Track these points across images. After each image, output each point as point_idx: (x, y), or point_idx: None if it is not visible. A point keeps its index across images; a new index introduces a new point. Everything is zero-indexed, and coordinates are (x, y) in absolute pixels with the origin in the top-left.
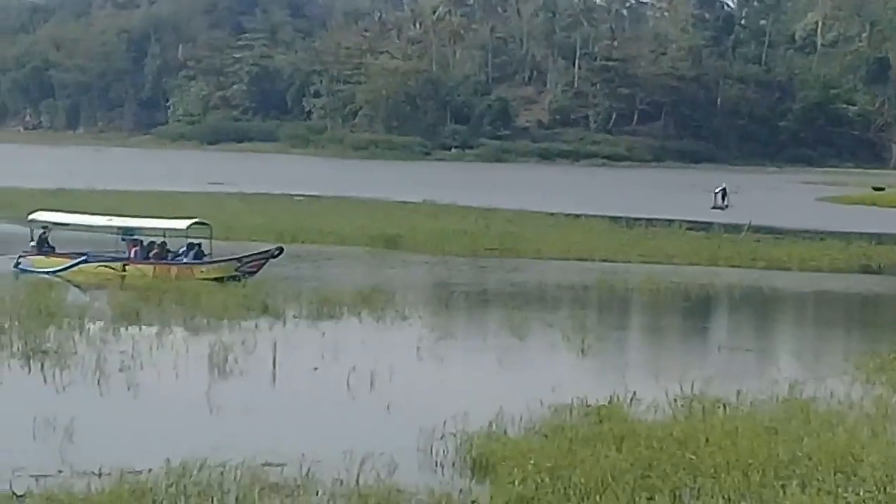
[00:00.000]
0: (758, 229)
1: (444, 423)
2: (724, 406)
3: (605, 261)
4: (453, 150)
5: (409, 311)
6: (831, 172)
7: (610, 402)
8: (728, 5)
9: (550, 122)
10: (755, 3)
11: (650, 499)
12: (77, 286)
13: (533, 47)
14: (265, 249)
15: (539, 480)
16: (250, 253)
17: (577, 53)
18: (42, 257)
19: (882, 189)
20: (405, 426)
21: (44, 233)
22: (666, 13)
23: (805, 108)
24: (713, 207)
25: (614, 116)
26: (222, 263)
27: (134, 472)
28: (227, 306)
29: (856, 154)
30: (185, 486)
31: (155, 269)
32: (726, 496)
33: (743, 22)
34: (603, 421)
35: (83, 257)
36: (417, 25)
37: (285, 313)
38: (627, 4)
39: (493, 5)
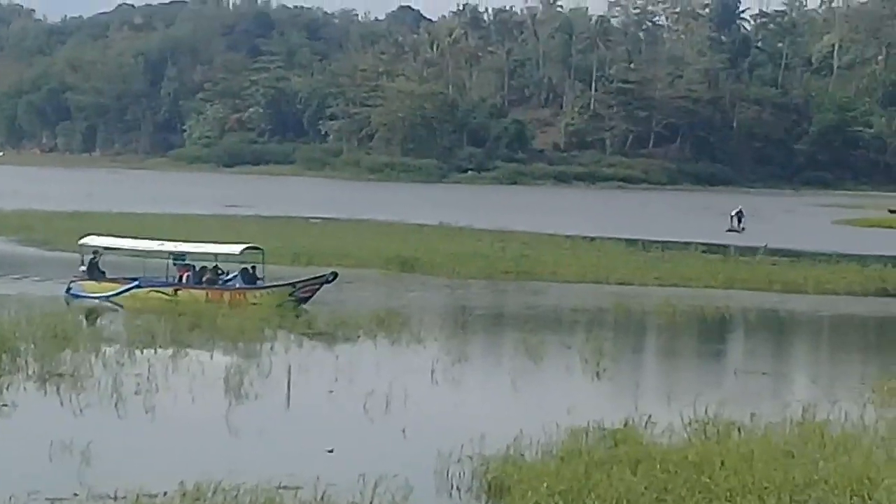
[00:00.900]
0: (774, 252)
1: (460, 445)
2: (740, 429)
3: (620, 283)
4: (469, 173)
5: (424, 333)
6: (848, 195)
7: (625, 425)
8: (744, 28)
9: (566, 145)
10: (771, 26)
11: None
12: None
13: (549, 70)
14: (320, 275)
15: (553, 503)
16: (304, 278)
17: (594, 76)
18: (93, 282)
19: None
20: (420, 449)
21: (94, 257)
22: (682, 35)
23: (821, 130)
24: (729, 230)
25: (630, 139)
26: (276, 289)
27: (149, 496)
28: (243, 329)
29: (872, 177)
30: None
31: (207, 293)
32: None
33: (759, 44)
34: (618, 444)
35: (136, 282)
36: (434, 48)
37: (301, 335)
38: (644, 27)
39: (509, 28)
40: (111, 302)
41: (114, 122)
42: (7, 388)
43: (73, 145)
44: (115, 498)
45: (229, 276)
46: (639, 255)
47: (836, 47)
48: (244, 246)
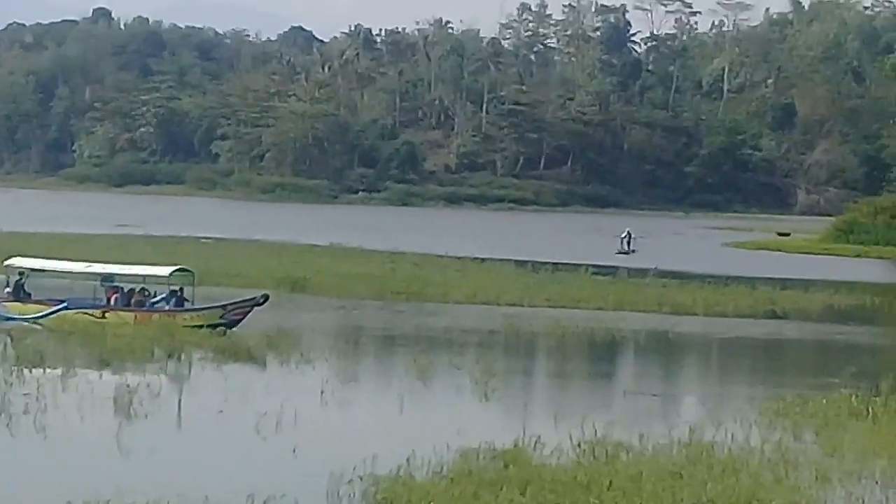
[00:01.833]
0: (664, 274)
1: (350, 466)
2: (628, 450)
3: (511, 305)
4: (360, 194)
5: (315, 354)
6: (737, 218)
7: (515, 447)
8: (635, 51)
9: (457, 167)
10: (662, 49)
11: None
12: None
13: (441, 91)
14: (250, 297)
15: None
16: (235, 301)
17: (485, 97)
18: (19, 304)
19: (787, 234)
20: (310, 469)
21: (20, 279)
22: (573, 58)
23: (711, 153)
24: (619, 252)
25: (521, 161)
26: (206, 311)
27: None
28: (133, 349)
29: (761, 199)
30: None
31: (136, 316)
32: None
33: (650, 68)
34: (508, 465)
35: (63, 304)
36: (325, 69)
37: (191, 356)
38: (535, 49)
39: (401, 49)
40: (38, 324)
41: (4, 141)
42: None
43: None
44: None
45: (157, 298)
46: (529, 277)
47: (726, 71)
48: (173, 268)
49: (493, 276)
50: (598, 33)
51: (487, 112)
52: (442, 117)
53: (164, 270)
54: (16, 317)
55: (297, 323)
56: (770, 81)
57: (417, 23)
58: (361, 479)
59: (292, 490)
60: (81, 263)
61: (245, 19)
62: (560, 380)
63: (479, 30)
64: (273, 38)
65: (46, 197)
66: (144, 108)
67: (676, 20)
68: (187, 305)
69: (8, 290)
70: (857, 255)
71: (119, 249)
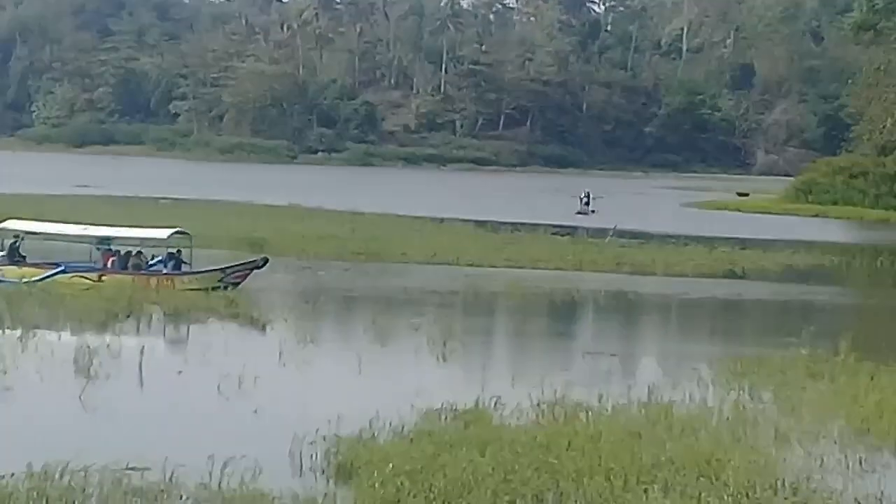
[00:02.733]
0: (623, 234)
1: (310, 427)
2: (588, 410)
3: (470, 265)
4: (320, 154)
5: (274, 314)
6: (696, 178)
7: (476, 407)
8: (594, 11)
9: (417, 127)
10: (621, 9)
11: (511, 503)
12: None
13: (400, 51)
14: (251, 260)
15: (400, 484)
16: (234, 263)
17: (445, 58)
18: (14, 267)
19: (746, 194)
20: (271, 431)
21: (15, 242)
22: (532, 18)
23: (670, 113)
24: (578, 212)
25: (480, 121)
26: (205, 274)
27: None
28: (91, 309)
29: (720, 159)
30: (46, 491)
31: (134, 279)
32: (589, 500)
33: (609, 28)
34: (469, 426)
35: (60, 268)
36: (284, 29)
37: (150, 317)
38: (494, 9)
39: (360, 9)
40: (32, 286)
41: None
42: None
43: None
44: None
45: (154, 261)
46: (488, 237)
47: (685, 31)
48: (172, 231)
49: (453, 237)
50: None
51: (446, 72)
52: (401, 77)
53: (163, 233)
54: (11, 280)
55: (257, 283)
56: (729, 41)
57: None
58: (321, 439)
59: (253, 451)
60: (78, 226)
61: None
62: (519, 340)
63: None
64: None
65: (3, 158)
66: (103, 69)
67: None
68: (185, 268)
69: (2, 253)
70: (816, 215)
71: (78, 210)
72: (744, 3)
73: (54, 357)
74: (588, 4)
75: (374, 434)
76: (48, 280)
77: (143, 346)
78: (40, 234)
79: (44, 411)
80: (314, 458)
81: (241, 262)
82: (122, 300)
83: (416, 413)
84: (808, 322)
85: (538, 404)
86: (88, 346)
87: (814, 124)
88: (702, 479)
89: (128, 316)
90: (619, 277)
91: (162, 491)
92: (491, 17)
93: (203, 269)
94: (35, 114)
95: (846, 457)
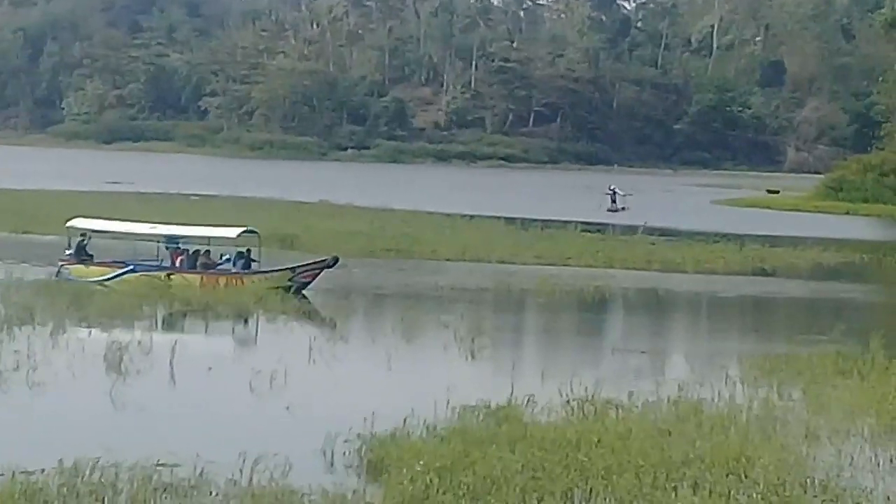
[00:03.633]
0: (653, 231)
1: (341, 424)
2: (618, 408)
3: (500, 262)
4: (349, 151)
5: (305, 311)
6: (726, 175)
7: (507, 405)
8: (625, 8)
9: (447, 124)
10: (651, 6)
11: (540, 500)
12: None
13: (430, 48)
14: (321, 259)
15: (429, 481)
16: (304, 262)
17: (475, 55)
18: (81, 266)
19: (776, 192)
20: (302, 427)
21: (82, 240)
22: (563, 15)
23: (700, 110)
24: (609, 209)
25: (511, 118)
26: (275, 273)
27: (26, 473)
28: (122, 306)
29: (750, 157)
30: (77, 487)
31: (202, 278)
32: (618, 498)
33: (639, 25)
34: (499, 423)
35: (129, 267)
36: (314, 26)
37: (180, 313)
38: (524, 6)
39: (390, 6)
40: (103, 286)
41: None
42: None
43: None
44: None
45: (221, 260)
46: (518, 234)
47: (716, 28)
48: (241, 229)
49: (483, 234)
50: None
51: (477, 69)
52: (431, 74)
53: (232, 231)
54: (80, 280)
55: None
56: (759, 39)
57: None
58: (352, 436)
59: (282, 448)
60: (145, 224)
61: None
62: (550, 337)
63: None
64: None
65: (35, 154)
66: (133, 65)
67: None
68: (255, 267)
69: (69, 251)
70: (847, 213)
71: (108, 207)
72: (774, 1)
73: (85, 353)
74: (618, 2)
75: (405, 431)
76: (117, 279)
77: (172, 343)
78: (108, 232)
79: (74, 407)
80: (345, 455)
81: (311, 261)
82: (151, 297)
83: (448, 410)
84: (837, 320)
85: (568, 401)
86: (118, 342)
87: (844, 122)
88: (731, 476)
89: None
90: (649, 275)
91: (192, 487)
92: (521, 14)
93: (272, 269)
94: (65, 110)
95: (876, 455)
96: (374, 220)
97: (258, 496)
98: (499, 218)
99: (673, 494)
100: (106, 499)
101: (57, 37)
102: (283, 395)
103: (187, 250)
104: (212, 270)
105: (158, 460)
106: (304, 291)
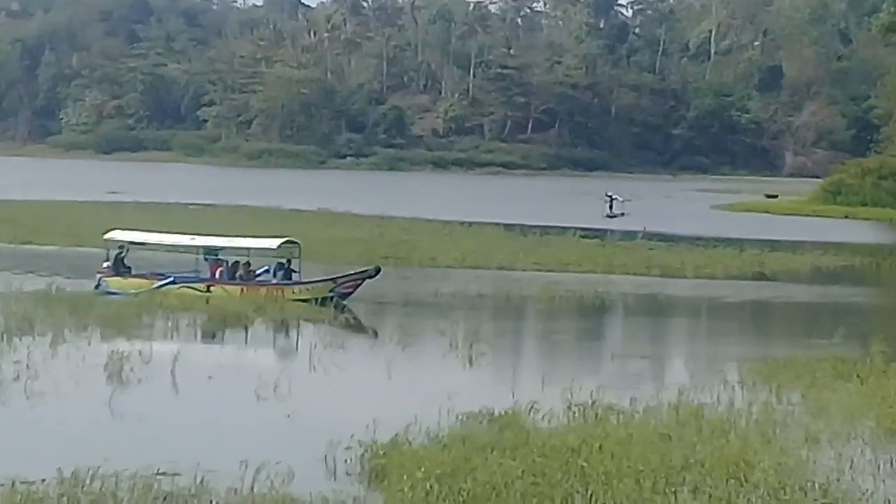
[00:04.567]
0: (652, 237)
1: (343, 431)
2: (619, 413)
3: (500, 268)
4: (348, 159)
5: (303, 319)
6: (725, 180)
7: (509, 411)
8: (622, 14)
9: (445, 131)
10: (649, 12)
11: None
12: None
13: (428, 56)
14: (362, 270)
15: (430, 487)
16: (346, 273)
17: (473, 62)
18: (119, 278)
19: (775, 196)
20: (303, 436)
21: (120, 252)
22: (560, 22)
23: (699, 115)
24: (607, 215)
25: (509, 125)
26: (316, 284)
27: (26, 482)
28: (121, 315)
29: (749, 162)
30: (77, 496)
31: (243, 289)
32: (618, 502)
33: (637, 30)
34: (503, 429)
35: (169, 279)
36: (312, 34)
37: (179, 322)
38: (522, 13)
39: (388, 14)
40: (137, 296)
41: None
42: None
43: None
44: None
45: (259, 271)
46: (517, 241)
47: (714, 33)
48: (282, 240)
49: (482, 240)
50: None
51: (475, 76)
52: (429, 82)
53: (272, 243)
54: (118, 292)
55: None
56: (757, 44)
57: None
58: (356, 445)
59: (283, 456)
60: (184, 236)
61: None
62: (551, 343)
63: None
64: (259, 4)
65: (34, 164)
66: (131, 75)
67: None
68: (295, 278)
69: (107, 263)
70: (845, 217)
71: (109, 216)
72: (772, 6)
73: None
74: (616, 7)
75: (406, 438)
76: (156, 291)
77: (171, 352)
78: (146, 244)
79: (74, 416)
80: (346, 462)
81: (353, 271)
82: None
83: (449, 417)
84: (836, 324)
85: (570, 407)
86: (118, 352)
87: (843, 126)
88: (731, 480)
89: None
90: (648, 280)
91: (192, 496)
92: (519, 20)
93: (314, 280)
94: (64, 120)
95: (876, 458)
96: (373, 227)
97: None
98: (498, 225)
99: (673, 499)
100: None
101: (55, 47)
102: (284, 402)
103: (226, 261)
104: (252, 281)
105: (159, 469)
106: (344, 302)
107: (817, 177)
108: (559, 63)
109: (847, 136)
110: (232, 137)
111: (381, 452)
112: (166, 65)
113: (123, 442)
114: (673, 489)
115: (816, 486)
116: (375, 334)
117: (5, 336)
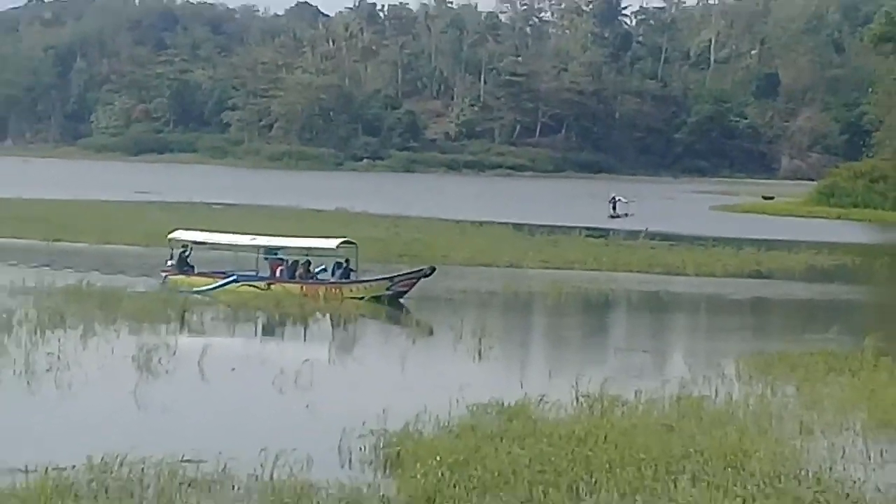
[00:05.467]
0: (654, 236)
1: (359, 421)
2: (623, 404)
3: (509, 266)
4: (364, 161)
5: (321, 314)
6: (724, 182)
7: (518, 402)
8: (626, 23)
9: (457, 135)
10: (652, 22)
11: (546, 493)
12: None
13: (441, 63)
14: (418, 269)
15: (441, 475)
16: (402, 272)
17: (483, 69)
18: (182, 276)
19: (771, 198)
20: (321, 425)
21: (184, 251)
22: (567, 31)
23: (699, 121)
24: (611, 216)
25: (518, 129)
26: (373, 283)
27: (58, 469)
28: (148, 310)
29: (746, 165)
30: (106, 482)
31: (302, 288)
32: (621, 490)
33: (640, 39)
34: (512, 419)
35: (232, 277)
36: (330, 42)
37: (203, 315)
38: (530, 22)
39: (403, 23)
40: (206, 296)
41: (25, 113)
42: None
43: None
44: (25, 471)
45: (317, 270)
46: (526, 240)
47: (713, 42)
48: (340, 240)
49: (492, 239)
50: (591, 6)
51: (485, 83)
52: (442, 88)
53: (331, 243)
54: (183, 290)
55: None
56: (754, 52)
57: None
58: (370, 433)
59: (303, 444)
60: (245, 236)
61: None
62: (557, 337)
63: (476, 4)
64: (280, 14)
65: (66, 166)
66: (158, 81)
67: None
68: (353, 277)
69: (171, 262)
70: (839, 218)
71: (137, 216)
72: (769, 15)
73: (114, 354)
74: (620, 17)
75: (419, 428)
76: (219, 290)
77: (197, 344)
78: (208, 243)
79: (104, 406)
80: (361, 450)
81: (409, 270)
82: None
83: (459, 407)
84: (830, 320)
85: (576, 399)
86: (146, 344)
87: (836, 131)
88: (729, 469)
89: (182, 315)
90: (651, 278)
91: (216, 482)
92: (528, 29)
93: (371, 278)
94: (94, 124)
95: (867, 447)
96: (389, 227)
97: (278, 490)
98: (507, 224)
99: (673, 486)
100: (134, 493)
101: (86, 54)
102: (303, 393)
103: (286, 261)
104: (311, 280)
105: (183, 456)
106: (401, 300)
107: (812, 179)
108: (566, 70)
109: (840, 141)
110: (254, 140)
111: (395, 441)
112: (192, 71)
113: (150, 430)
114: (673, 477)
115: (810, 474)
116: (391, 329)
117: (38, 329)
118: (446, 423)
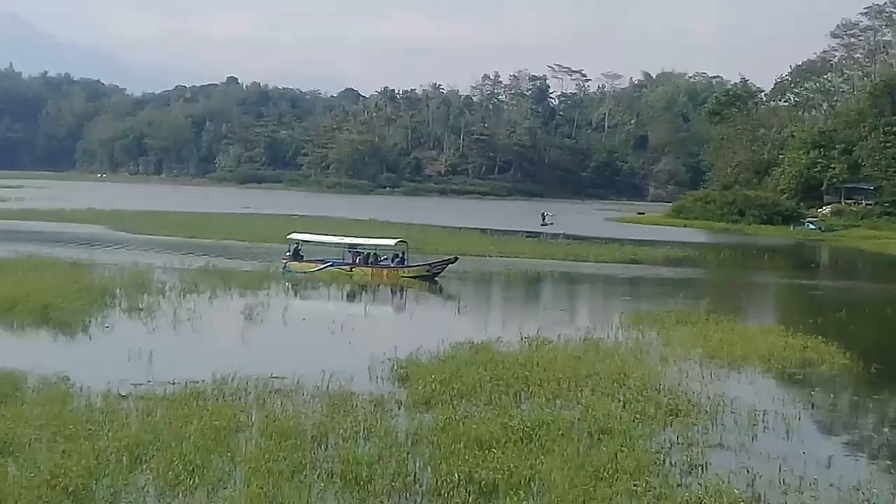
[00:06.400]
0: (569, 237)
1: (382, 353)
2: (549, 343)
3: (477, 255)
4: (386, 189)
5: (358, 286)
6: (613, 203)
7: (483, 342)
8: (552, 102)
9: (446, 172)
10: (568, 101)
11: (499, 398)
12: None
13: (436, 127)
14: (447, 258)
15: (433, 387)
16: (436, 260)
17: (462, 131)
18: (297, 263)
19: (643, 213)
20: (358, 355)
21: (297, 246)
22: (514, 107)
23: (597, 165)
24: (542, 224)
25: (484, 168)
26: (418, 267)
27: (192, 382)
28: (251, 281)
29: (627, 193)
30: (223, 390)
31: (373, 271)
32: (547, 397)
33: (561, 113)
34: (478, 352)
35: (329, 263)
36: (366, 113)
37: (286, 285)
38: (492, 102)
39: (412, 101)
40: (312, 275)
41: (173, 156)
42: (107, 317)
43: (149, 170)
44: (173, 383)
45: (382, 258)
46: (487, 239)
47: (607, 115)
48: (398, 240)
49: (467, 239)
50: (530, 92)
51: (463, 140)
52: (436, 142)
53: (391, 241)
54: (298, 272)
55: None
56: (633, 121)
57: (422, 86)
58: (389, 360)
59: (347, 368)
60: (336, 236)
61: (319, 83)
62: (508, 300)
63: (458, 90)
64: (335, 95)
65: (199, 192)
66: (257, 137)
67: (577, 84)
68: (406, 263)
69: (289, 254)
70: (685, 226)
71: (243, 224)
72: (642, 98)
73: (230, 309)
74: (549, 98)
75: (420, 357)
76: (320, 271)
77: (283, 304)
78: (312, 241)
79: (223, 342)
80: (383, 371)
81: (442, 258)
82: (268, 273)
83: (446, 345)
84: (679, 290)
85: (521, 339)
86: (250, 303)
87: (684, 171)
88: (615, 384)
89: (273, 285)
90: (566, 263)
91: (292, 391)
92: (490, 106)
93: (416, 264)
94: (217, 164)
95: (702, 371)
96: (402, 230)
97: (332, 395)
98: (476, 229)
99: (580, 394)
100: (241, 398)
101: (212, 120)
102: (348, 335)
103: (363, 252)
104: (378, 265)
105: (272, 373)
106: (436, 279)
107: (669, 202)
108: (514, 132)
109: (686, 178)
110: (317, 175)
111: (404, 365)
112: (279, 131)
113: (250, 357)
114: (580, 388)
115: (666, 387)
116: (402, 295)
117: (181, 293)
118: (437, 355)
